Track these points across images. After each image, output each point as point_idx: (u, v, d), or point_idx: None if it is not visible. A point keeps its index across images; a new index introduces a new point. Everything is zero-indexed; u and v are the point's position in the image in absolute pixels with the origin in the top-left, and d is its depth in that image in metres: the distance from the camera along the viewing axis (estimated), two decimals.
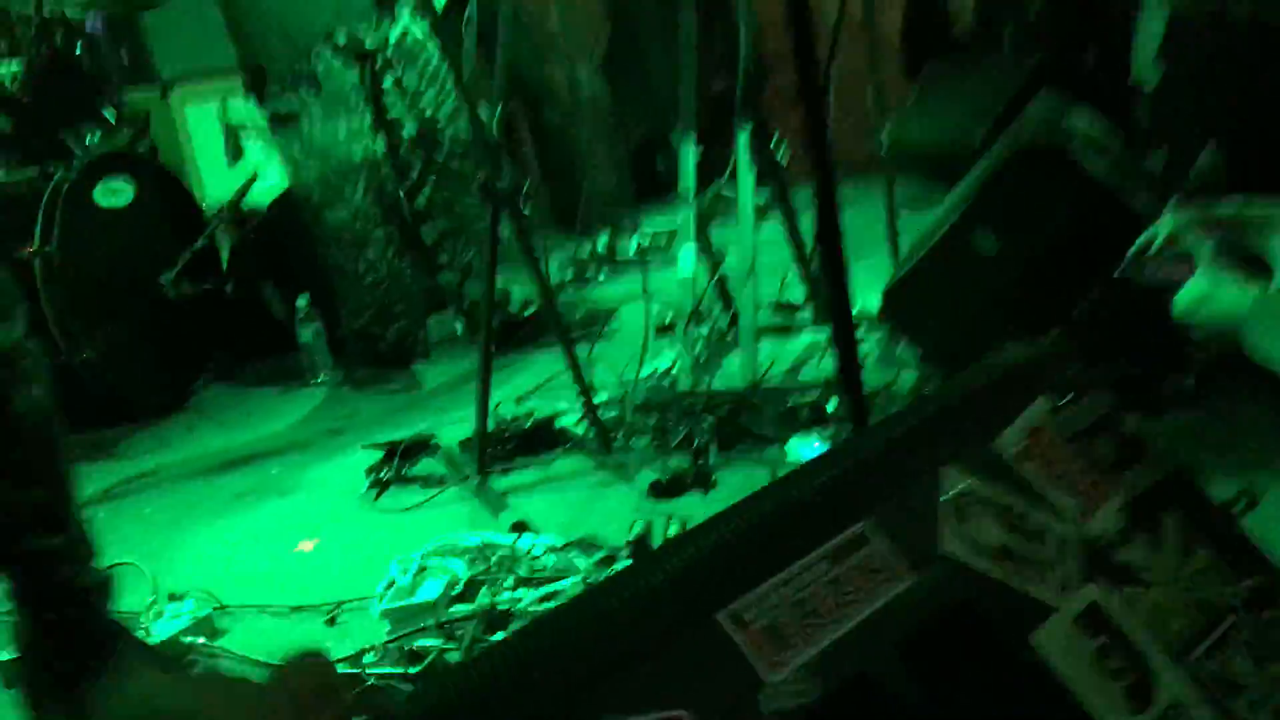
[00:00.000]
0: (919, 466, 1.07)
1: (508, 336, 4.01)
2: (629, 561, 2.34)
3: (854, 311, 2.89)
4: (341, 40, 4.01)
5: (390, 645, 2.15)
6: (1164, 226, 1.31)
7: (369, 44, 4.07)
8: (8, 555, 1.85)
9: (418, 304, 4.34)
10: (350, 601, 2.41)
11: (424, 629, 2.20)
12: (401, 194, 4.12)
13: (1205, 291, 1.12)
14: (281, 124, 4.17)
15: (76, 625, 1.92)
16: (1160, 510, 1.12)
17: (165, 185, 4.35)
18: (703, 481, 2.75)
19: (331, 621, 2.35)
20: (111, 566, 2.03)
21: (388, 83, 4.12)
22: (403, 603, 2.30)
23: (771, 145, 3.65)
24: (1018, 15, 4.93)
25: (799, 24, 1.63)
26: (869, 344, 3.25)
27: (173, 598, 2.47)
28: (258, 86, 4.17)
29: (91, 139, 4.21)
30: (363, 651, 2.13)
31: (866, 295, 3.26)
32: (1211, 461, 2.10)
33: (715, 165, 3.70)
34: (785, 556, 0.96)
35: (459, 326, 4.37)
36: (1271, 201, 1.36)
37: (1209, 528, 1.13)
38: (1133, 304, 2.22)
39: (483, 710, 0.82)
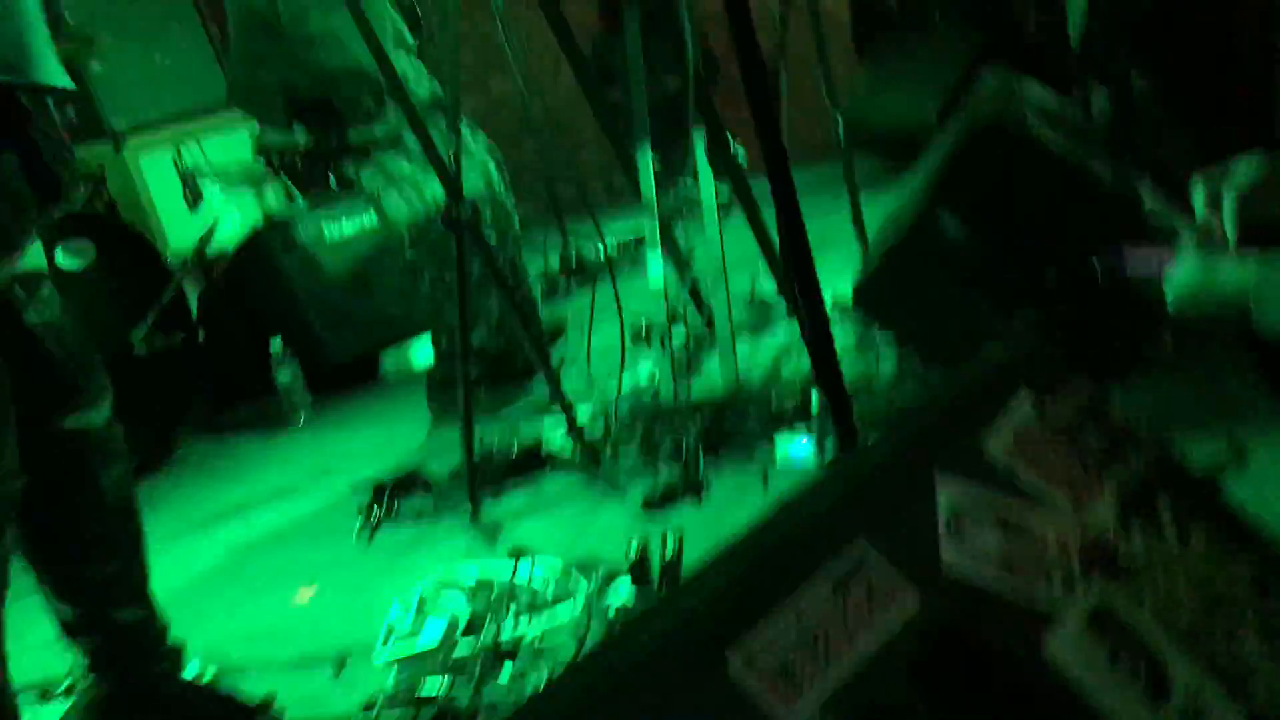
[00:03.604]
0: (910, 480, 1.06)
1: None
2: (629, 580, 2.34)
3: (826, 301, 2.91)
4: None
5: (398, 693, 2.14)
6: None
7: None
8: (94, 626, 1.96)
9: None
10: (353, 654, 2.39)
11: (430, 672, 2.19)
12: None
13: (1200, 273, 1.06)
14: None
15: (155, 693, 2.02)
16: (1152, 496, 1.12)
17: (126, 241, 4.31)
18: (694, 490, 2.75)
19: (337, 674, 2.33)
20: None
21: None
22: (407, 652, 2.29)
23: (727, 142, 3.64)
24: None
25: (737, 9, 1.60)
26: (845, 333, 3.25)
27: None
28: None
29: None
30: (371, 703, 2.12)
31: (837, 281, 3.25)
32: (1191, 426, 2.11)
33: (674, 167, 3.70)
34: (787, 588, 0.95)
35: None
36: None
37: (1201, 507, 1.13)
38: (1101, 278, 2.23)
39: None
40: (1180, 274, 1.15)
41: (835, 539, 0.99)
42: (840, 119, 3.96)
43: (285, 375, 4.24)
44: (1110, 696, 0.94)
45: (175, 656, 2.05)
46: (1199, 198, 1.22)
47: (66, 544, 1.89)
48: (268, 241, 4.43)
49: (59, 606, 1.93)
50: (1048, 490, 1.08)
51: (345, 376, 4.50)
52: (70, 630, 1.97)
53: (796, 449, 2.74)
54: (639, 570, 2.34)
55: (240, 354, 4.42)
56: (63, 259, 4.02)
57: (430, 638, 2.30)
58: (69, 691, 2.31)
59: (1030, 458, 1.11)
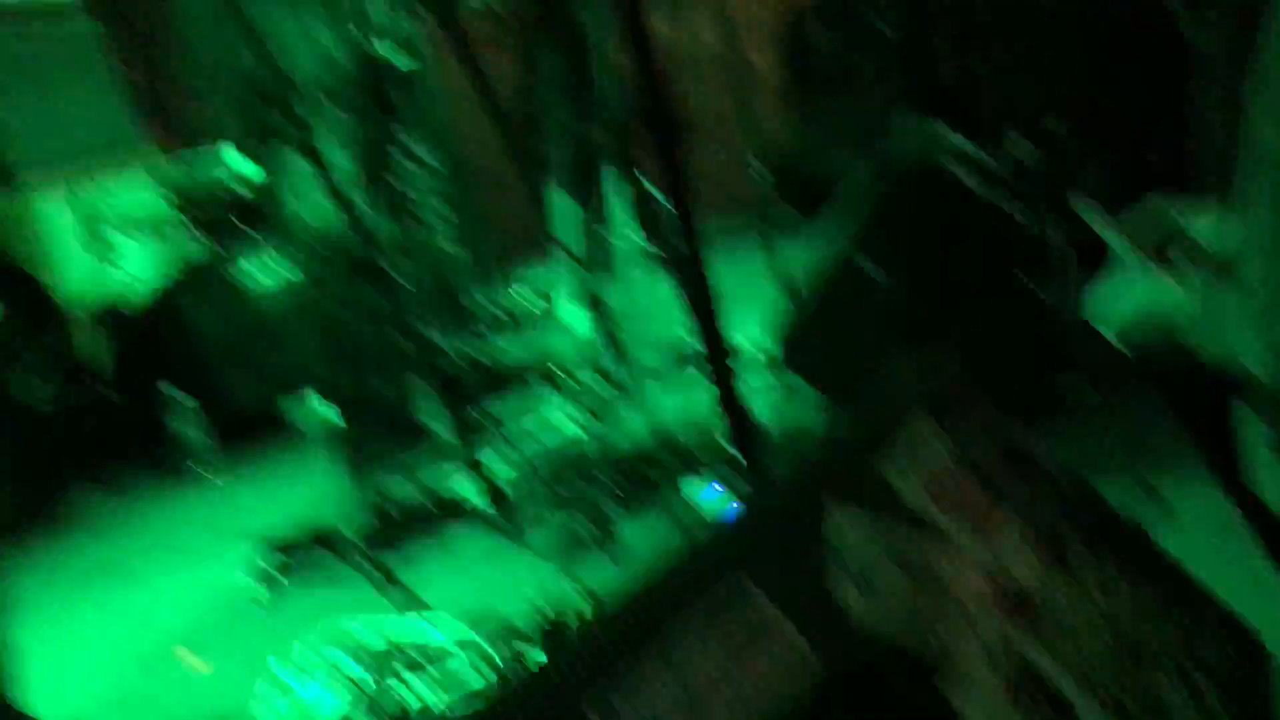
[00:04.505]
0: (801, 512, 0.97)
1: None
2: (541, 653, 2.22)
3: (747, 345, 2.85)
4: None
5: None
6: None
7: None
8: None
9: None
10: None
11: None
12: None
13: (1144, 298, 1.00)
14: None
15: None
16: (1069, 538, 1.04)
17: (15, 284, 4.13)
18: (605, 541, 2.65)
19: None
20: None
21: None
22: None
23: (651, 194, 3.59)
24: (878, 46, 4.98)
25: (641, 58, 1.54)
26: (770, 384, 3.17)
27: None
28: None
29: None
30: None
31: (757, 328, 3.17)
32: (1108, 470, 2.05)
33: (591, 213, 3.63)
34: (657, 634, 0.86)
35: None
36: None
37: (1123, 551, 1.06)
38: (1026, 312, 2.19)
39: None
40: (1122, 301, 1.08)
41: (712, 576, 0.90)
42: (759, 168, 3.92)
43: (188, 426, 4.06)
44: None
45: None
46: (1143, 224, 1.17)
47: None
48: (187, 295, 4.28)
49: None
50: (954, 526, 1.00)
51: (253, 426, 4.32)
52: None
53: (709, 494, 2.65)
54: (554, 642, 2.23)
55: (151, 407, 4.22)
56: None
57: (324, 707, 2.16)
58: None
59: (936, 491, 1.02)
